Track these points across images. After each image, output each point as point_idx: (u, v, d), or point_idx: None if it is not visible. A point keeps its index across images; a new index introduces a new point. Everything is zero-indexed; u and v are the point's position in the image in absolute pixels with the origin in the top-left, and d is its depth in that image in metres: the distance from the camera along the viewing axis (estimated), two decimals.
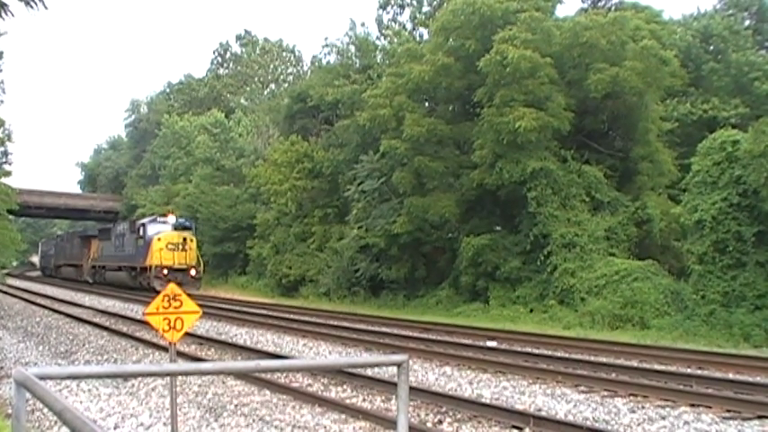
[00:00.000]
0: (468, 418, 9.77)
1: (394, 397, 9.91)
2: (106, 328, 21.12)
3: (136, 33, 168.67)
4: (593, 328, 21.01)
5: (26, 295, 37.27)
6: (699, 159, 20.98)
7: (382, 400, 11.00)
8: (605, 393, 11.26)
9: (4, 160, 38.14)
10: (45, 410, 9.57)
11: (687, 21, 35.62)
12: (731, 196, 19.66)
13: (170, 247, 36.59)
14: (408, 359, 3.50)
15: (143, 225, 38.64)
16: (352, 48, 43.44)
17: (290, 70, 71.05)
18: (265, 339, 19.13)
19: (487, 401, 10.59)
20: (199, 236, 40.24)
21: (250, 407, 10.63)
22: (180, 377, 11.00)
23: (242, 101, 66.24)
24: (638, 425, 9.35)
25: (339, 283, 33.62)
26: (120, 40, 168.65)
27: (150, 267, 36.43)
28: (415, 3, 44.40)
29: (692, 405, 10.24)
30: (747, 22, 36.00)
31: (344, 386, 12.06)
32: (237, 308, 29.24)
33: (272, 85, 69.68)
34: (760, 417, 9.57)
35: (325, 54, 49.09)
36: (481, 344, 17.38)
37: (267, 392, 11.60)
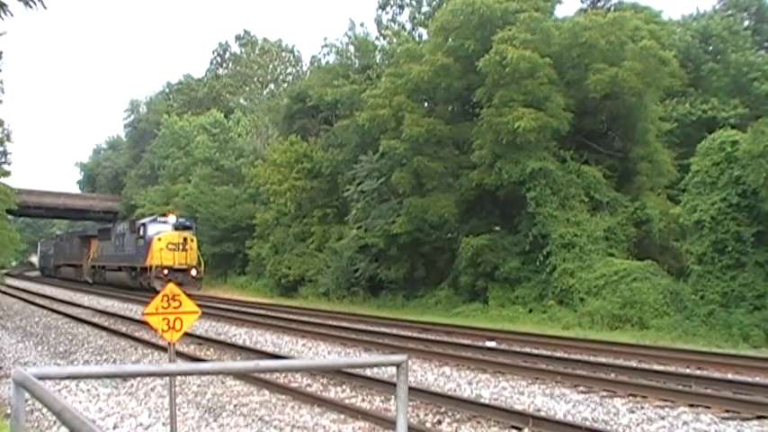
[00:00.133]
0: (467, 418, 9.77)
1: (393, 397, 9.90)
2: (105, 328, 21.11)
3: (135, 33, 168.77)
4: (593, 328, 21.02)
5: (25, 295, 37.24)
6: (698, 160, 21.00)
7: (381, 401, 11.00)
8: (604, 393, 11.26)
9: (3, 160, 38.08)
10: (44, 410, 9.57)
11: (686, 21, 35.64)
12: (730, 196, 19.67)
13: (170, 247, 36.54)
14: (407, 359, 3.50)
15: (143, 225, 38.57)
16: (352, 48, 43.48)
17: (289, 70, 71.07)
18: (264, 339, 19.12)
19: (486, 402, 10.58)
20: (198, 236, 40.21)
21: (249, 407, 10.62)
22: (179, 377, 11.00)
23: (241, 101, 66.25)
24: (638, 425, 9.35)
25: (338, 284, 33.62)
26: (119, 40, 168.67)
27: (150, 267, 36.37)
28: (414, 3, 44.42)
29: (691, 405, 10.24)
30: (747, 23, 36.00)
31: (344, 386, 12.06)
32: (236, 308, 29.22)
33: (272, 85, 69.70)
34: (759, 417, 9.57)
35: (324, 54, 49.21)
36: (480, 344, 17.37)
37: (266, 392, 11.60)
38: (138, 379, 12.30)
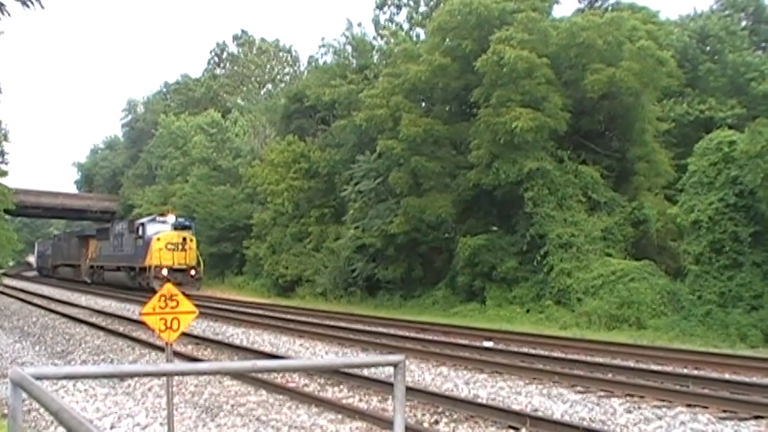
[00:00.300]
0: (464, 418, 9.77)
1: (390, 397, 9.91)
2: (103, 328, 21.09)
3: (132, 33, 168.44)
4: (590, 328, 21.02)
5: (22, 295, 37.19)
6: (695, 160, 21.02)
7: (379, 401, 11.01)
8: (602, 393, 11.27)
9: (0, 160, 38.01)
10: (41, 410, 9.56)
11: (684, 21, 35.68)
12: (728, 197, 19.69)
13: (169, 246, 36.45)
14: (405, 359, 3.50)
15: (142, 225, 38.45)
16: (349, 48, 43.49)
17: (286, 70, 71.05)
18: (262, 339, 19.12)
19: (484, 402, 10.59)
20: (196, 235, 40.16)
21: (246, 407, 10.62)
22: (176, 377, 10.99)
23: (239, 101, 66.18)
24: (635, 425, 9.36)
25: (336, 284, 33.61)
26: (116, 39, 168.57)
27: (149, 267, 36.27)
28: (411, 3, 44.48)
29: (689, 405, 10.25)
30: (744, 23, 36.04)
31: (341, 386, 12.06)
32: (234, 308, 29.21)
33: (269, 85, 69.68)
34: (756, 417, 9.58)
35: (321, 54, 49.24)
36: (478, 344, 17.37)
37: (264, 392, 11.60)
38: (136, 379, 12.31)
